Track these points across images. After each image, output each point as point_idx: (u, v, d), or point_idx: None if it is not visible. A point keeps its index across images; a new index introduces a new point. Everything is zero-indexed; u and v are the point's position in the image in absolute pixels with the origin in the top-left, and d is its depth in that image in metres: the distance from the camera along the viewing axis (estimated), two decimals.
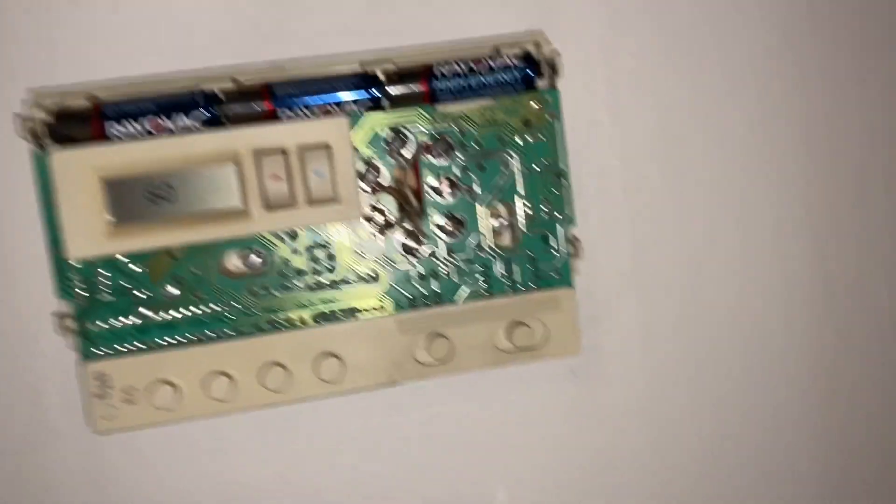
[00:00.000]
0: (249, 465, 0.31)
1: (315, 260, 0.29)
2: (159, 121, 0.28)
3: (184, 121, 0.28)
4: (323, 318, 0.30)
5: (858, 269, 0.34)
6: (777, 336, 0.34)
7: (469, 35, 0.30)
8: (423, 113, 0.29)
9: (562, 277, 0.30)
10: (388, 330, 0.30)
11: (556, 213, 0.30)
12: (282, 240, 0.29)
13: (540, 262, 0.30)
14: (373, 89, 0.29)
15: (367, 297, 0.30)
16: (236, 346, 0.29)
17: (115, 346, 0.29)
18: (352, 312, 0.30)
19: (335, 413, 0.31)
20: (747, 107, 0.33)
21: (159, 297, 0.29)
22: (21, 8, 0.29)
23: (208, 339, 0.29)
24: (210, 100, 0.28)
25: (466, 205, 0.30)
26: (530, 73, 0.30)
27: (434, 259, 0.30)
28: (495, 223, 0.30)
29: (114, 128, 0.28)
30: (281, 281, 0.29)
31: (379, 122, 0.29)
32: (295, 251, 0.29)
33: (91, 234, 0.28)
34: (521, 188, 0.30)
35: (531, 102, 0.30)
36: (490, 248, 0.30)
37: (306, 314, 0.30)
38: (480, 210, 0.30)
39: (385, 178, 0.30)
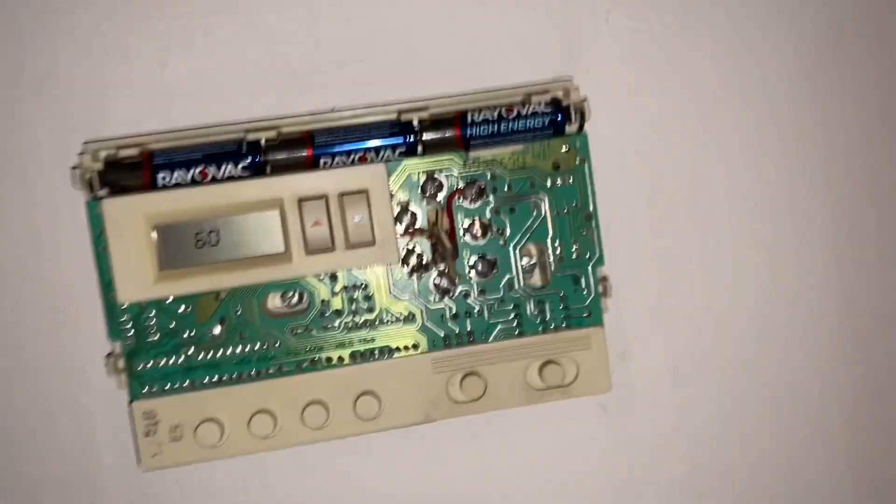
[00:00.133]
0: (290, 501, 0.32)
1: (353, 301, 0.31)
2: (206, 169, 0.30)
3: (229, 169, 0.30)
4: (360, 357, 0.31)
5: (883, 304, 0.35)
6: (804, 371, 0.34)
7: (500, 83, 0.32)
8: (456, 158, 0.30)
9: (592, 316, 0.31)
10: (424, 368, 0.31)
11: (585, 253, 0.31)
12: (322, 281, 0.30)
13: (570, 302, 0.31)
14: (408, 136, 0.30)
15: (402, 337, 0.31)
16: (278, 384, 0.30)
17: (163, 385, 0.30)
18: (388, 352, 0.31)
19: (373, 449, 0.32)
20: (771, 147, 0.34)
21: (204, 338, 0.30)
22: (75, 63, 0.31)
23: (251, 378, 0.30)
24: (254, 148, 0.30)
25: (498, 246, 0.31)
26: (559, 118, 0.31)
27: (467, 299, 0.31)
28: (526, 264, 0.31)
29: (163, 176, 0.30)
30: (320, 321, 0.30)
31: (414, 167, 0.30)
32: (334, 292, 0.30)
33: (140, 279, 0.29)
34: (551, 229, 0.31)
35: (560, 147, 0.31)
36: (521, 288, 0.31)
37: (345, 353, 0.31)
38: (512, 251, 0.31)
39: (420, 221, 0.31)
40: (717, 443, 0.34)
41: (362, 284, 0.31)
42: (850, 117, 0.34)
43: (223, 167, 0.30)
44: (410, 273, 0.31)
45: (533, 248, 0.31)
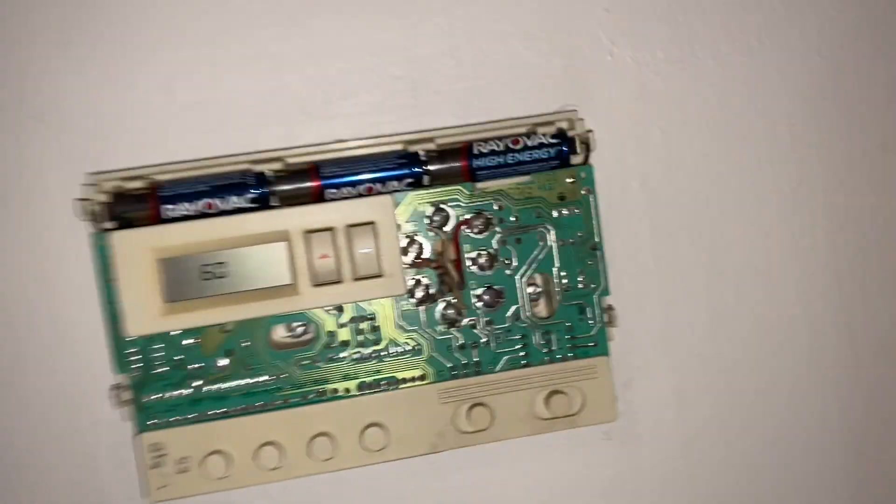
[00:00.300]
0: None
1: (360, 332, 0.31)
2: (212, 201, 0.30)
3: (236, 201, 0.30)
4: (367, 388, 0.31)
5: (886, 330, 0.35)
6: (807, 398, 0.34)
7: (505, 115, 0.32)
8: (463, 189, 0.31)
9: (597, 346, 0.31)
10: (430, 399, 0.31)
11: (591, 283, 0.31)
12: (328, 313, 0.30)
13: (576, 331, 0.31)
14: (415, 167, 0.31)
15: (409, 368, 0.31)
16: (285, 416, 0.30)
17: (170, 417, 0.30)
18: (395, 382, 0.31)
19: (380, 480, 0.32)
20: (774, 178, 0.34)
21: (211, 370, 0.30)
22: (81, 94, 0.31)
23: (258, 410, 0.30)
24: (260, 180, 0.30)
25: (505, 277, 0.31)
26: (564, 150, 0.31)
27: (474, 330, 0.31)
28: (533, 294, 0.31)
29: (169, 209, 0.29)
30: (327, 353, 0.30)
31: (421, 199, 0.31)
32: (341, 324, 0.30)
33: (147, 311, 0.29)
34: (557, 260, 0.31)
35: (566, 178, 0.31)
36: (528, 318, 0.31)
37: (351, 385, 0.31)
38: (518, 281, 0.31)
39: (427, 252, 0.31)
40: (721, 470, 0.34)
41: (369, 315, 0.31)
42: (852, 147, 0.34)
43: (229, 199, 0.30)
44: (418, 304, 0.31)
45: (539, 279, 0.32)
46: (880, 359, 0.35)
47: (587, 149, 0.31)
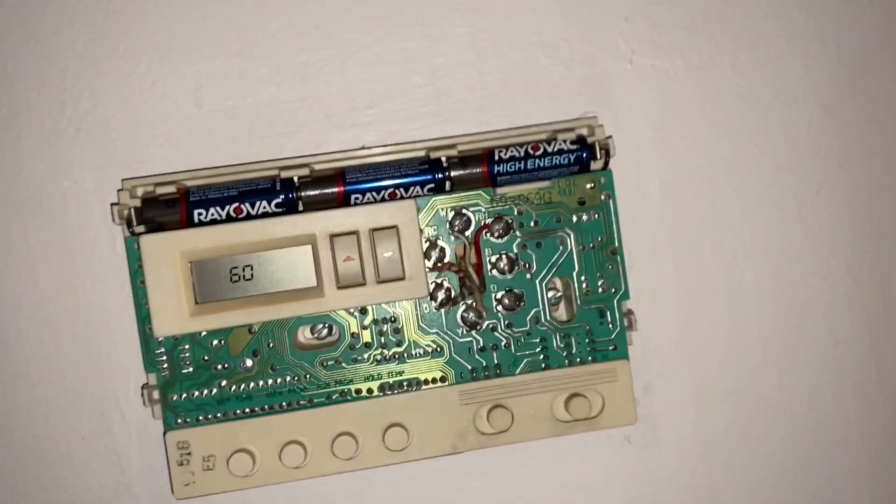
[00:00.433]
0: None
1: (382, 334, 0.31)
2: (241, 206, 0.30)
3: (263, 206, 0.30)
4: (389, 389, 0.31)
5: None
6: (827, 403, 0.34)
7: (526, 122, 0.33)
8: (484, 194, 0.31)
9: (617, 349, 0.32)
10: (451, 401, 0.31)
11: (611, 287, 0.32)
12: (352, 315, 0.31)
13: (596, 335, 0.32)
14: (437, 173, 0.31)
15: (430, 370, 0.31)
16: (309, 415, 0.31)
17: (196, 416, 0.31)
18: (416, 384, 0.31)
19: (401, 480, 0.33)
20: (794, 184, 0.34)
21: (237, 370, 0.31)
22: (114, 104, 0.32)
23: (282, 410, 0.31)
24: (287, 186, 0.31)
25: (525, 281, 0.32)
26: (585, 155, 0.31)
27: (494, 333, 0.32)
28: (553, 298, 0.32)
29: (199, 213, 0.30)
30: (350, 354, 0.31)
31: (442, 203, 0.31)
32: (364, 326, 0.31)
33: (176, 313, 0.30)
34: (577, 264, 0.32)
35: (586, 183, 0.31)
36: (548, 321, 0.32)
37: (374, 385, 0.31)
38: (538, 285, 0.32)
39: (448, 256, 0.31)
40: (741, 475, 0.34)
41: (391, 318, 0.31)
42: (872, 153, 0.34)
43: (257, 204, 0.31)
44: (439, 307, 0.31)
45: (559, 283, 0.32)
46: None
47: (607, 154, 0.31)
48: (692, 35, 0.34)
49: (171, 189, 0.31)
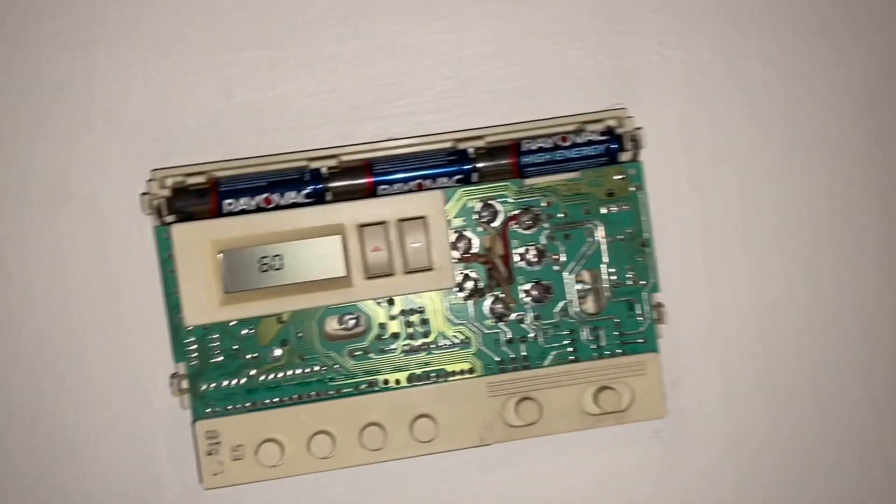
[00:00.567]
0: None
1: (410, 324, 0.31)
2: (270, 196, 0.31)
3: (292, 196, 0.31)
4: (417, 379, 0.31)
5: None
6: (858, 397, 0.34)
7: (553, 113, 0.32)
8: (512, 186, 0.31)
9: (647, 342, 0.31)
10: (479, 392, 0.31)
11: (640, 279, 0.31)
12: (380, 305, 0.31)
13: (625, 328, 0.31)
14: (464, 164, 0.31)
15: (458, 361, 0.31)
16: (337, 405, 0.31)
17: (225, 405, 0.31)
18: (444, 375, 0.31)
19: (428, 471, 0.33)
20: (825, 178, 0.34)
21: (266, 360, 0.31)
22: (144, 94, 0.32)
23: (311, 400, 0.31)
24: (316, 177, 0.31)
25: (553, 272, 0.31)
26: (613, 146, 0.31)
27: (522, 324, 0.31)
28: (581, 291, 0.32)
29: (229, 203, 0.31)
30: (378, 344, 0.31)
31: (470, 194, 0.31)
32: (391, 316, 0.31)
33: (206, 302, 0.30)
34: (606, 256, 0.31)
35: (615, 175, 0.31)
36: (576, 313, 0.32)
37: (402, 376, 0.31)
38: (567, 277, 0.32)
39: (475, 247, 0.31)
40: (769, 469, 0.34)
41: (419, 308, 0.31)
42: None
43: (286, 194, 0.31)
44: (466, 298, 0.31)
45: (587, 275, 0.32)
46: None
47: (636, 146, 0.31)
48: (721, 26, 0.33)
49: (200, 179, 0.31)
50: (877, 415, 0.34)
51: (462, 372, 0.31)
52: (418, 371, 0.31)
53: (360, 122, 0.33)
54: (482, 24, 0.33)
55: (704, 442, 0.34)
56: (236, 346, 0.31)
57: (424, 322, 0.31)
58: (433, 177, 0.31)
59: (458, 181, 0.31)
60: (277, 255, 0.30)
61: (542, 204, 0.31)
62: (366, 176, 0.31)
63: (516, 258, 0.31)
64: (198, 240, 0.30)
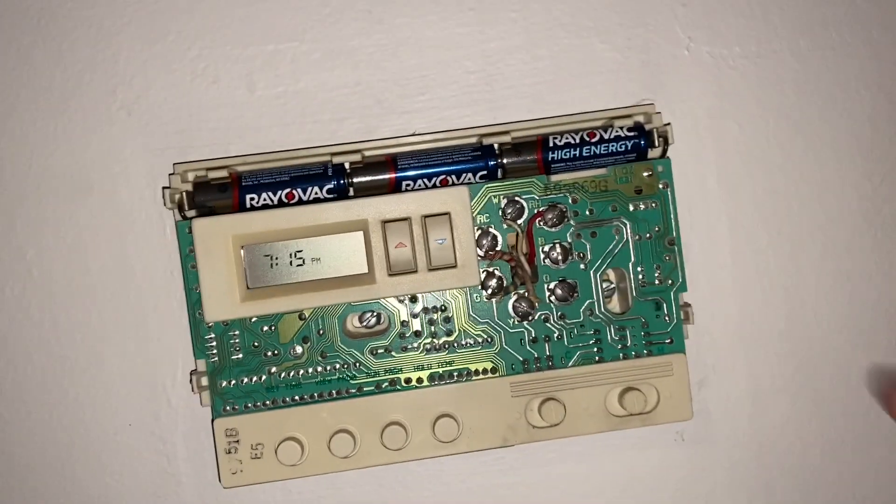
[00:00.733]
0: None
1: (432, 323, 0.31)
2: (293, 191, 0.30)
3: (315, 191, 0.30)
4: (439, 378, 0.31)
5: None
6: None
7: (580, 108, 0.32)
8: (538, 182, 0.31)
9: (673, 343, 0.31)
10: (502, 392, 0.30)
11: (668, 279, 0.31)
12: (402, 303, 0.31)
13: (652, 328, 0.31)
14: (489, 160, 0.31)
15: (481, 360, 0.31)
16: (358, 404, 0.30)
17: (245, 403, 0.30)
18: (467, 374, 0.31)
19: (450, 471, 0.32)
20: (855, 175, 0.33)
21: (287, 357, 0.30)
22: (166, 88, 0.32)
23: (332, 398, 0.30)
24: (339, 172, 0.30)
25: (579, 271, 0.31)
26: (642, 143, 0.31)
27: (546, 323, 0.31)
28: (607, 290, 0.31)
29: (251, 198, 0.30)
30: (400, 343, 0.31)
31: (495, 190, 0.31)
32: (414, 314, 0.31)
33: (227, 298, 0.29)
34: (633, 255, 0.31)
35: (643, 171, 0.31)
36: (602, 313, 0.31)
37: (424, 375, 0.31)
38: (592, 276, 0.31)
39: (500, 244, 0.31)
40: (796, 472, 0.33)
41: (442, 306, 0.31)
42: None
43: (309, 189, 0.30)
44: (490, 296, 0.31)
45: (612, 274, 0.31)
46: None
47: (665, 142, 0.31)
48: (750, 21, 0.33)
49: (222, 174, 0.31)
50: None
51: (485, 371, 0.31)
52: (441, 370, 0.31)
53: (383, 117, 0.32)
54: (508, 17, 0.32)
55: (730, 444, 0.33)
56: (257, 343, 0.30)
57: (447, 320, 0.31)
58: (458, 172, 0.31)
59: (483, 177, 0.31)
60: (299, 251, 0.30)
61: (569, 201, 0.31)
62: (389, 171, 0.31)
63: (541, 256, 0.31)
64: (220, 234, 0.29)
